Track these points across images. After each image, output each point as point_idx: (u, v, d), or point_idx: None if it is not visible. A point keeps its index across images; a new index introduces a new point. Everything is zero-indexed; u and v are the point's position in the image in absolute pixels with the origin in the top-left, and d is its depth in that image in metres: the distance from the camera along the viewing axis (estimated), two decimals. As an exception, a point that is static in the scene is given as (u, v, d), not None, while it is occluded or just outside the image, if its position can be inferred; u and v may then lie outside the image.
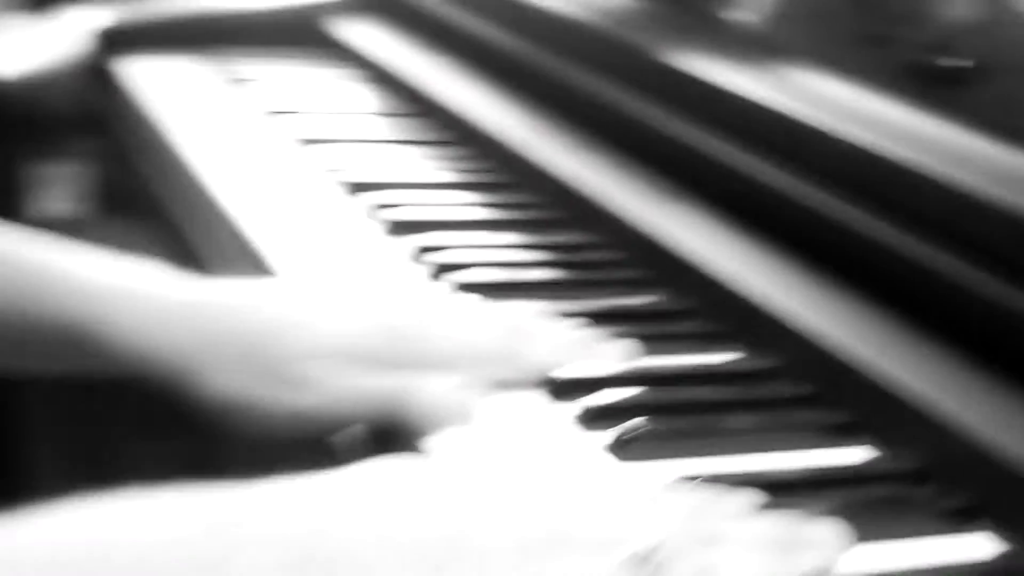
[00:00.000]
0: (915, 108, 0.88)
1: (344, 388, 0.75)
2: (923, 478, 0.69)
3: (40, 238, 0.84)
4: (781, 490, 0.66)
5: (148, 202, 1.32)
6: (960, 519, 0.67)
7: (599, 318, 0.85)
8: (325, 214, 1.05)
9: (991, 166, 0.79)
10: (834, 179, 0.88)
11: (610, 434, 0.73)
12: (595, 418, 0.74)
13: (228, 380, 0.76)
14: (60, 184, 1.64)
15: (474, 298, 0.88)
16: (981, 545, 0.65)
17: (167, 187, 1.24)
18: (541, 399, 0.77)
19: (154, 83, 1.40)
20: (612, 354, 0.81)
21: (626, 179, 1.04)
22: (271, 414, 0.76)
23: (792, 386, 0.79)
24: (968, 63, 0.89)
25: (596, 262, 0.97)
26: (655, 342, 0.83)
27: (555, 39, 1.24)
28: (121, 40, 1.52)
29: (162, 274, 0.81)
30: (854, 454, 0.72)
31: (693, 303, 0.89)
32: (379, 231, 1.01)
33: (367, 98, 1.38)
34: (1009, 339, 0.73)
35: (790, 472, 0.70)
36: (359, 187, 1.08)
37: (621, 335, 0.82)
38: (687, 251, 0.90)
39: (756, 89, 0.98)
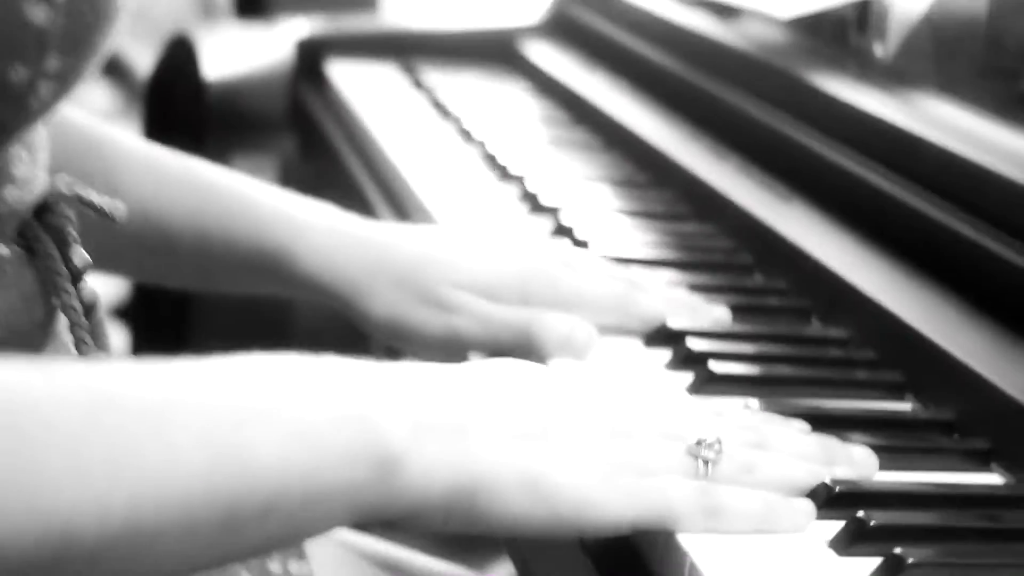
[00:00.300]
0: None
1: (483, 313, 0.89)
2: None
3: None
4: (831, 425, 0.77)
5: (345, 190, 1.45)
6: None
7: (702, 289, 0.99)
8: (480, 193, 1.19)
9: None
10: (951, 194, 0.97)
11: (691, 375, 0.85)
12: (684, 362, 0.87)
13: (386, 302, 0.90)
14: (266, 177, 1.79)
15: (595, 251, 1.01)
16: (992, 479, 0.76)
17: (363, 170, 1.38)
18: (641, 344, 0.90)
19: (356, 84, 1.55)
20: (712, 313, 0.94)
21: (748, 179, 1.16)
22: (424, 331, 0.90)
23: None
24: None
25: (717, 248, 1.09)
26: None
27: (715, 64, 1.36)
28: (325, 48, 1.67)
29: (337, 211, 0.96)
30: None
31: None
32: (523, 209, 1.15)
33: (528, 103, 1.52)
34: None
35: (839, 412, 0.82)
36: (508, 173, 1.22)
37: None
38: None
39: (885, 111, 1.09)
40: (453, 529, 0.64)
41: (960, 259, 0.93)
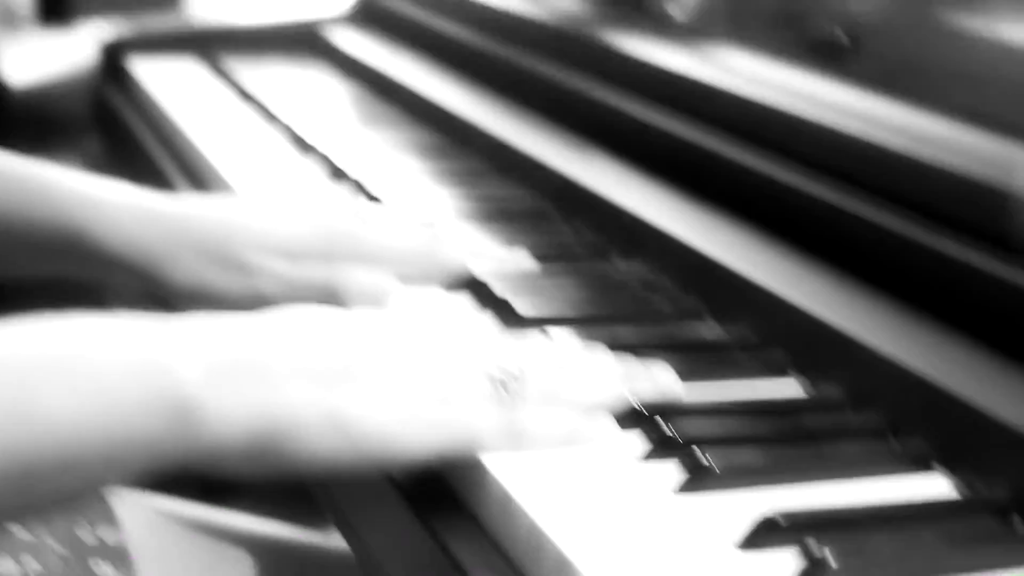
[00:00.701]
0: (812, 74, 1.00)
1: (285, 274, 0.88)
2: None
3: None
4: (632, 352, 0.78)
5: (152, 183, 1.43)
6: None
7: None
8: (282, 167, 1.19)
9: (872, 117, 0.91)
10: (744, 134, 1.00)
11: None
12: (487, 304, 0.88)
13: (187, 270, 0.89)
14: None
15: (396, 209, 1.01)
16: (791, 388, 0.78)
17: (168, 159, 1.37)
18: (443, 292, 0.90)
19: (160, 79, 1.53)
20: (513, 257, 0.95)
21: (550, 138, 1.17)
22: (227, 296, 0.89)
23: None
24: (846, 37, 1.01)
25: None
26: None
27: (516, 35, 1.37)
28: (128, 48, 1.65)
29: (136, 188, 0.94)
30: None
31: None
32: (324, 179, 1.15)
33: (334, 86, 1.52)
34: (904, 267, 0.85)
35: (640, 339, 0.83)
36: (310, 147, 1.22)
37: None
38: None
39: (678, 62, 1.11)
40: (259, 475, 0.64)
41: (752, 190, 0.95)
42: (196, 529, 0.92)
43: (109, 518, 0.87)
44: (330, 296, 0.88)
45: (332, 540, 0.98)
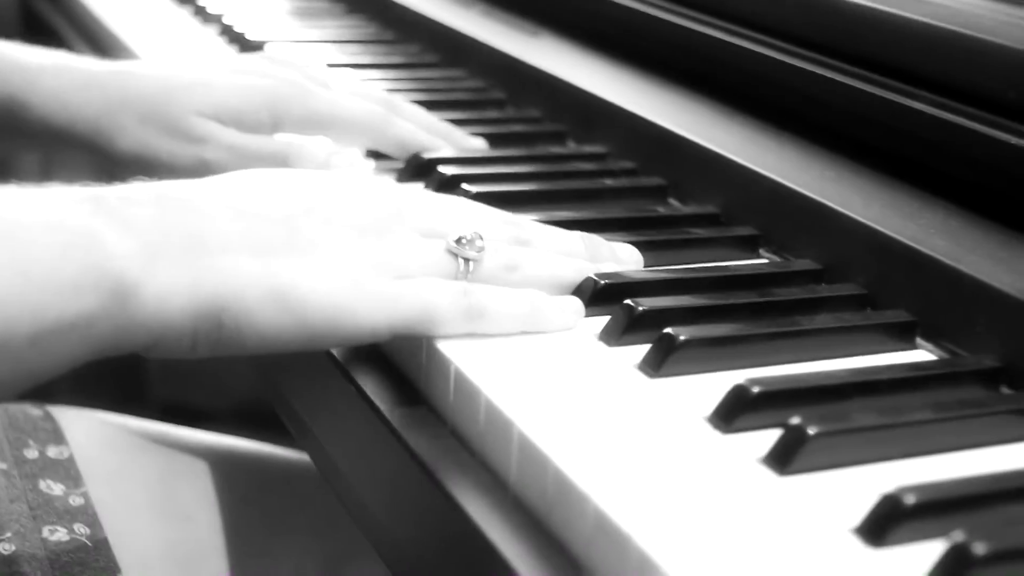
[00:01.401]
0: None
1: (234, 144, 0.83)
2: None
3: None
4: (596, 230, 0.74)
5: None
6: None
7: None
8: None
9: None
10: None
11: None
12: (439, 188, 0.83)
13: (131, 138, 0.85)
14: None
15: (347, 75, 0.96)
16: (760, 262, 0.74)
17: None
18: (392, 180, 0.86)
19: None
20: (467, 140, 0.91)
21: (494, 21, 1.13)
22: (173, 165, 0.84)
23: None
24: None
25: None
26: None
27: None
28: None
29: (70, 54, 0.90)
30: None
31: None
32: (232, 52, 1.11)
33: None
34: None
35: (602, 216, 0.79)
36: (249, 43, 1.17)
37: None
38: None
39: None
40: (203, 354, 0.60)
41: (707, 61, 0.92)
42: (150, 442, 0.89)
43: (56, 436, 0.84)
44: (280, 164, 0.84)
45: (293, 453, 0.95)
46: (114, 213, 0.58)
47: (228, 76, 0.86)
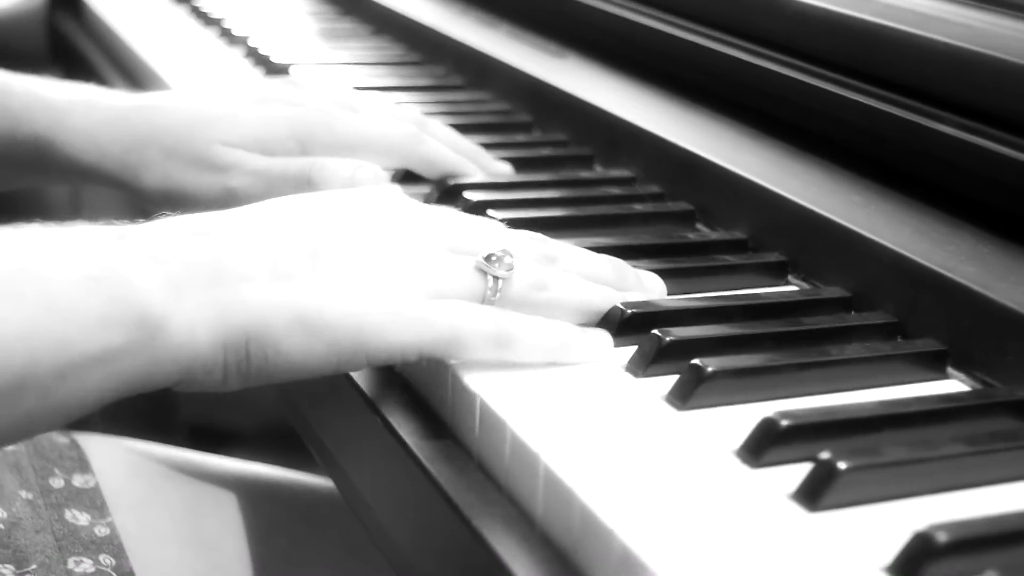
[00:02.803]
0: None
1: (259, 168, 0.83)
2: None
3: None
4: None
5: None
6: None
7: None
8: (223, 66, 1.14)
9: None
10: (721, 23, 0.96)
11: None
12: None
13: (157, 173, 0.84)
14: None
15: (376, 96, 0.96)
16: (789, 289, 0.74)
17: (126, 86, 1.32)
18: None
19: (114, 6, 1.48)
20: (494, 164, 0.90)
21: (520, 42, 1.13)
22: (200, 196, 0.84)
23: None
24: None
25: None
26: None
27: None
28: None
29: (105, 89, 0.89)
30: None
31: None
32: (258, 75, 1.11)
33: (294, 2, 1.48)
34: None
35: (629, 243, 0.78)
36: (274, 66, 1.17)
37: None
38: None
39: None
40: (234, 385, 0.59)
41: (736, 85, 0.91)
42: (176, 471, 0.88)
43: (82, 464, 0.83)
44: (305, 187, 0.83)
45: (318, 480, 0.94)
46: (138, 249, 0.58)
47: (253, 106, 0.86)
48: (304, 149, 0.84)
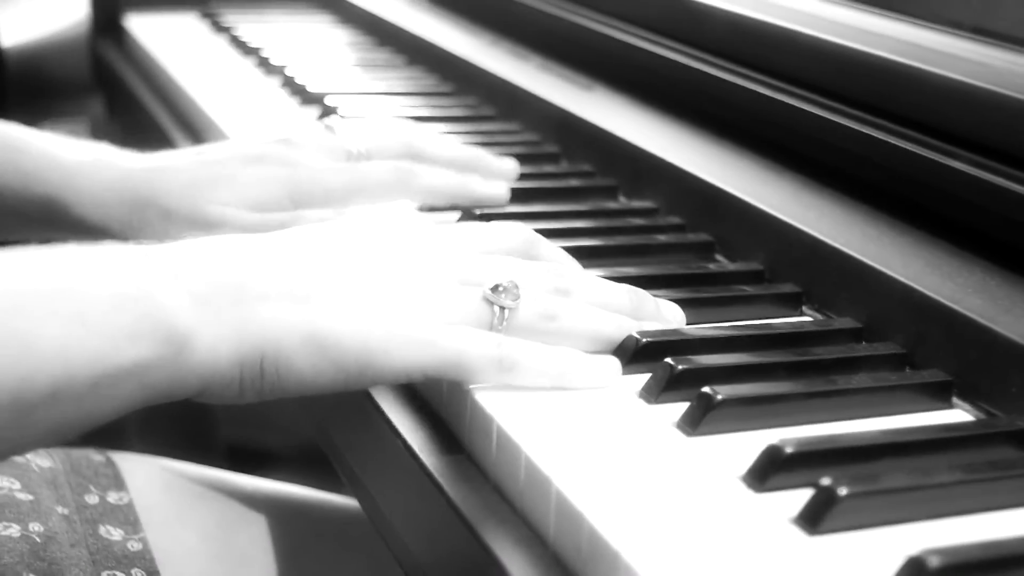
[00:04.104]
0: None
1: (250, 224, 0.86)
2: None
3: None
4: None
5: (154, 140, 1.42)
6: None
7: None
8: (280, 117, 1.17)
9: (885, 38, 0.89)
10: (741, 58, 0.98)
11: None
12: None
13: (156, 233, 0.88)
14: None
15: (366, 131, 0.98)
16: (803, 320, 0.76)
17: (165, 113, 1.35)
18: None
19: (156, 35, 1.51)
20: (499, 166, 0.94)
21: (549, 74, 1.15)
22: None
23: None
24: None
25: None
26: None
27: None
28: (123, 3, 1.63)
29: (115, 150, 0.93)
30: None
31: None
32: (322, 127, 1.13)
33: (331, 33, 1.51)
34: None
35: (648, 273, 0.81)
36: (308, 94, 1.20)
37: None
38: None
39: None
40: (250, 398, 0.63)
41: (757, 119, 0.93)
42: (208, 489, 0.91)
43: (117, 482, 0.86)
44: None
45: (346, 500, 0.97)
46: (165, 269, 0.62)
47: (249, 168, 0.89)
48: (298, 206, 0.87)
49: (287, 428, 1.66)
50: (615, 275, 0.77)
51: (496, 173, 0.94)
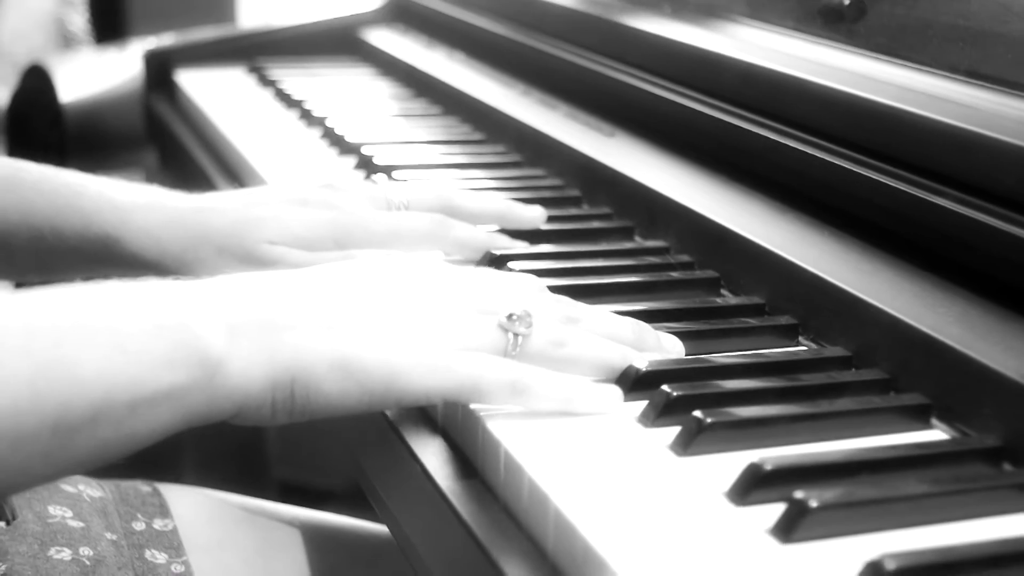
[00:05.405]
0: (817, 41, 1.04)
1: (301, 262, 0.92)
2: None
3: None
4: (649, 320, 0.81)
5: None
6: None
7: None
8: (320, 166, 1.23)
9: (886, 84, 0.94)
10: (757, 106, 1.03)
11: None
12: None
13: (213, 267, 0.94)
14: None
15: (406, 185, 1.05)
16: (798, 350, 0.81)
17: (214, 166, 1.42)
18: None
19: (205, 89, 1.58)
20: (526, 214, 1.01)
21: (575, 122, 1.21)
22: None
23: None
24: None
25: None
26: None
27: (542, 24, 1.41)
28: (174, 59, 1.70)
29: (166, 191, 0.99)
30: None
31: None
32: (360, 175, 1.19)
33: (371, 85, 1.57)
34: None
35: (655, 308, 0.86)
36: (347, 145, 1.26)
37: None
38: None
39: (691, 38, 1.14)
40: (281, 420, 0.69)
41: (764, 161, 0.98)
42: (249, 515, 0.97)
43: (162, 510, 0.92)
44: None
45: (378, 527, 1.02)
46: (200, 300, 0.68)
47: (296, 209, 0.95)
48: (341, 247, 0.93)
49: (337, 468, 1.71)
50: (628, 310, 0.83)
51: (526, 222, 1.00)
